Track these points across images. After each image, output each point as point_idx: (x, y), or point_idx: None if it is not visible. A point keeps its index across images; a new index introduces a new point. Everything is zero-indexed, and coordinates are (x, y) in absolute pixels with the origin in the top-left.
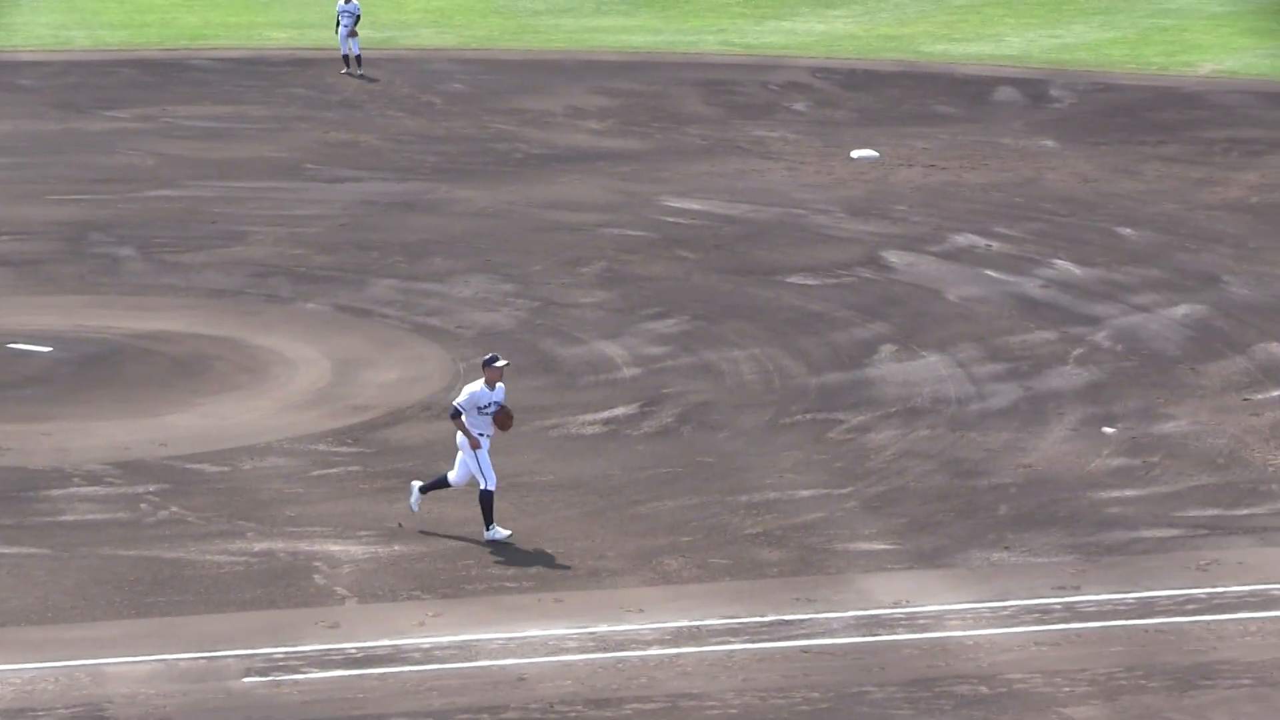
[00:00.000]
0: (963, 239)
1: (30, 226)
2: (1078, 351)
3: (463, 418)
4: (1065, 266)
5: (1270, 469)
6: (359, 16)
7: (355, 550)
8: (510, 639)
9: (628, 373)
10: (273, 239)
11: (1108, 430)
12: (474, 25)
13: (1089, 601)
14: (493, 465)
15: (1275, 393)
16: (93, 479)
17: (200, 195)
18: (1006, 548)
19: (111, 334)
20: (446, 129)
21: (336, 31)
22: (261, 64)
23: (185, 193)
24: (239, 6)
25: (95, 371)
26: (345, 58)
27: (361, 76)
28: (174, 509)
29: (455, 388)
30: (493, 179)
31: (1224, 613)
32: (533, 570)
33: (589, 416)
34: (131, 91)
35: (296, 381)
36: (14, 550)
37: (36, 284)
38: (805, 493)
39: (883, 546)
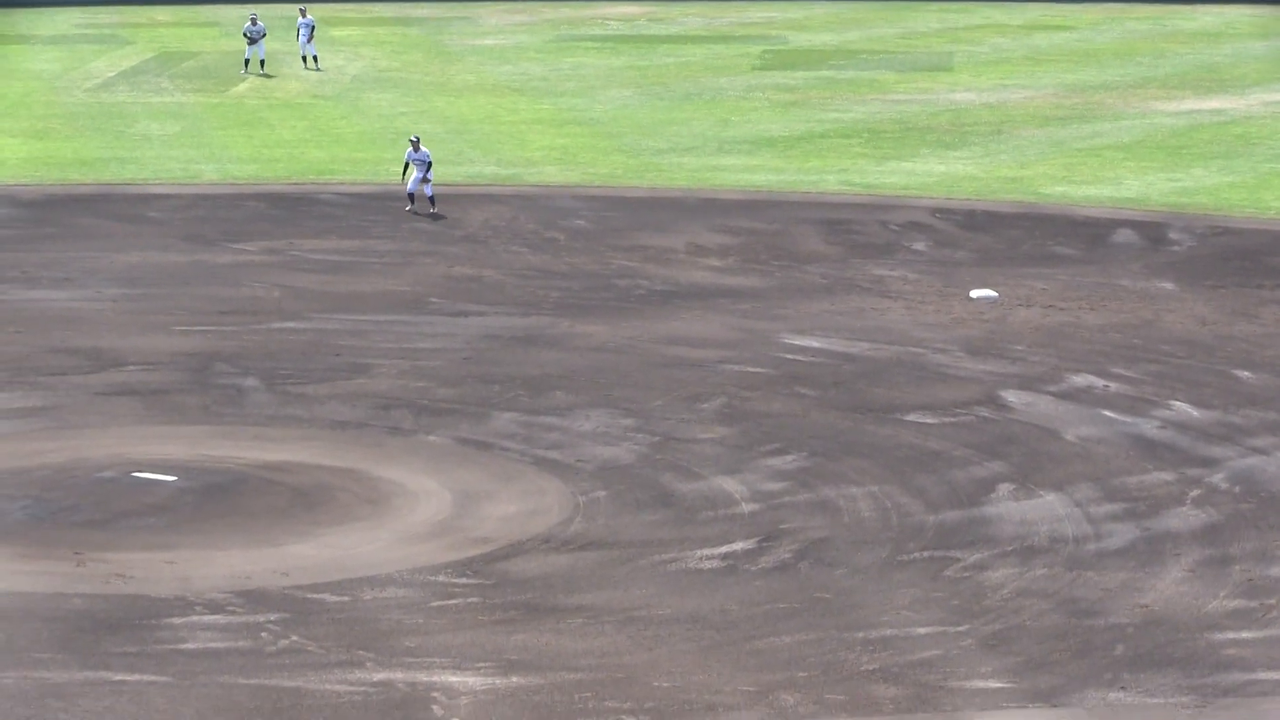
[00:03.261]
0: (1081, 379)
1: (157, 357)
2: (1195, 493)
3: None
4: (1183, 408)
5: None
6: (429, 164)
7: (473, 682)
8: None
9: (746, 508)
10: (396, 372)
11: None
12: (598, 163)
13: None
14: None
15: None
16: (214, 607)
17: (325, 328)
18: (1123, 688)
19: (235, 464)
20: (569, 265)
21: (404, 177)
22: (387, 199)
23: (310, 325)
24: (366, 142)
25: (218, 501)
26: (411, 195)
27: (432, 215)
28: (294, 638)
29: (574, 520)
30: (614, 315)
31: None
32: (649, 705)
33: (707, 551)
34: (259, 225)
35: (417, 513)
36: (136, 677)
37: (162, 414)
38: (922, 630)
39: (999, 685)
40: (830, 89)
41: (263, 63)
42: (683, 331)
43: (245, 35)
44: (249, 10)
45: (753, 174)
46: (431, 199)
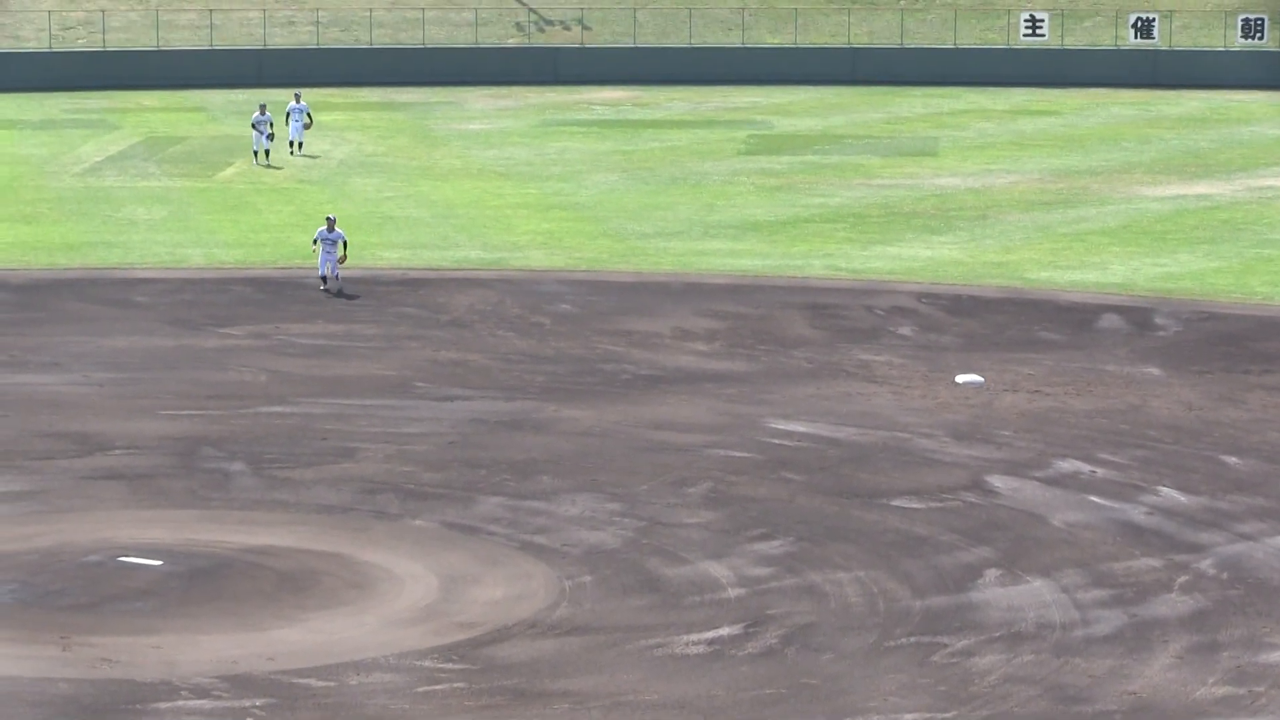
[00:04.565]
0: (1067, 465)
1: (143, 441)
2: (1183, 579)
3: None
4: (1170, 494)
5: None
6: (343, 244)
7: None
8: None
9: (732, 593)
10: (382, 456)
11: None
12: (583, 247)
13: None
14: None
15: None
16: (200, 692)
17: (311, 412)
18: None
19: (221, 548)
20: (555, 349)
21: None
22: (373, 283)
23: (296, 409)
24: (351, 226)
25: (204, 585)
26: (323, 277)
27: (340, 293)
28: None
29: (560, 604)
30: (600, 399)
31: None
32: None
33: (693, 636)
34: (245, 309)
35: (403, 598)
36: None
37: (148, 498)
38: (909, 716)
39: None
40: (815, 174)
41: (263, 154)
42: (668, 416)
43: (255, 125)
44: (239, 96)
45: (738, 258)
46: (336, 277)
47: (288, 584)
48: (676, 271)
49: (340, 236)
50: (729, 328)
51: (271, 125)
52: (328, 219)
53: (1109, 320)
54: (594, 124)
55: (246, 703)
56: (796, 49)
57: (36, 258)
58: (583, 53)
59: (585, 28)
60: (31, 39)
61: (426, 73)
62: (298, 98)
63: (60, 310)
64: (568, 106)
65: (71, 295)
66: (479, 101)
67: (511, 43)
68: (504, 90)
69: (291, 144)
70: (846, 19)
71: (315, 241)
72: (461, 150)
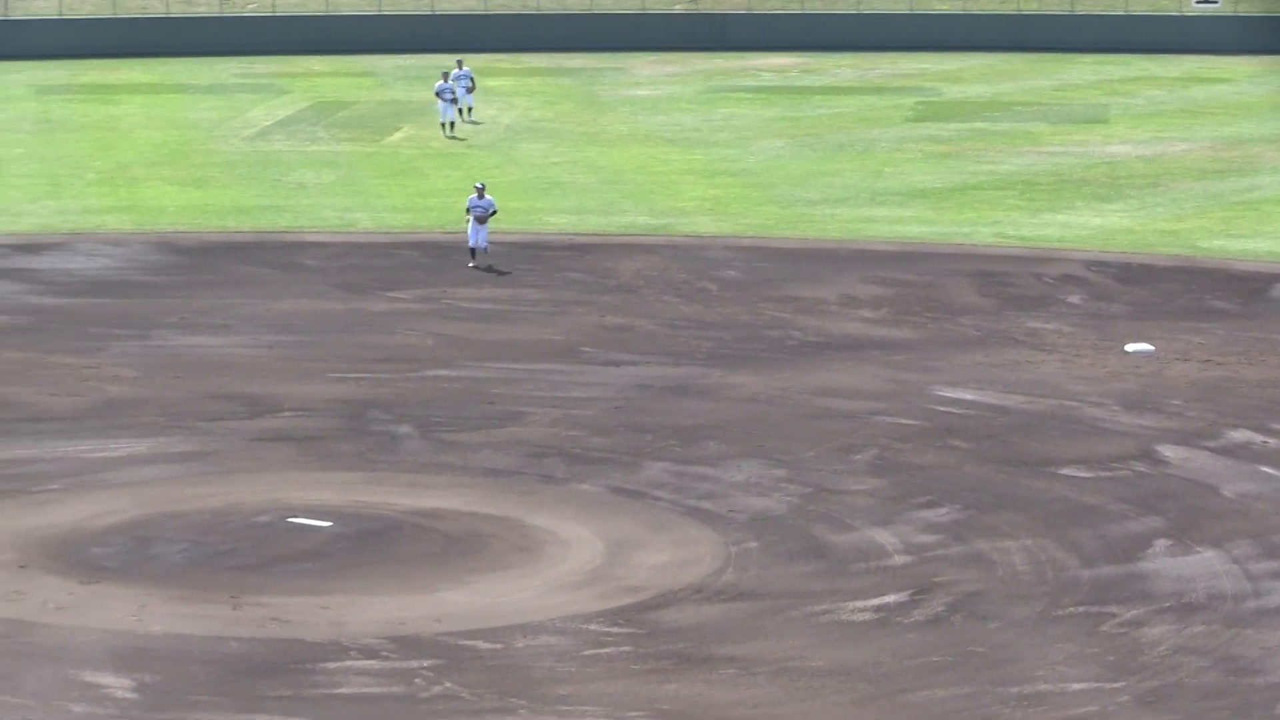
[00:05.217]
0: (1239, 435)
1: (312, 403)
2: None
3: None
4: None
5: None
6: (491, 213)
7: None
8: None
9: (899, 560)
10: (548, 420)
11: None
12: (749, 213)
13: None
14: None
15: None
16: (368, 653)
17: (478, 376)
18: None
19: (389, 510)
20: (721, 315)
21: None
22: (540, 248)
23: (463, 373)
24: (519, 192)
25: (372, 547)
26: (472, 250)
27: (490, 268)
28: (448, 685)
29: (725, 570)
30: (766, 365)
31: None
32: None
33: (859, 603)
34: (412, 273)
35: (569, 561)
36: None
37: (317, 460)
38: (1077, 686)
39: None
40: (984, 141)
41: (451, 124)
42: (835, 383)
43: (438, 94)
44: (407, 61)
45: (905, 225)
46: (485, 249)
47: (455, 546)
48: (843, 239)
49: (490, 204)
50: (896, 295)
51: (454, 93)
52: (476, 186)
53: None
54: (761, 90)
55: (414, 663)
56: (965, 15)
57: (207, 221)
58: (750, 19)
59: None
60: (203, 4)
61: (594, 38)
62: (460, 64)
63: (230, 273)
64: (734, 73)
65: (241, 258)
66: (646, 67)
67: (679, 9)
68: (671, 56)
69: (460, 110)
70: None
71: (468, 210)
72: (628, 116)
